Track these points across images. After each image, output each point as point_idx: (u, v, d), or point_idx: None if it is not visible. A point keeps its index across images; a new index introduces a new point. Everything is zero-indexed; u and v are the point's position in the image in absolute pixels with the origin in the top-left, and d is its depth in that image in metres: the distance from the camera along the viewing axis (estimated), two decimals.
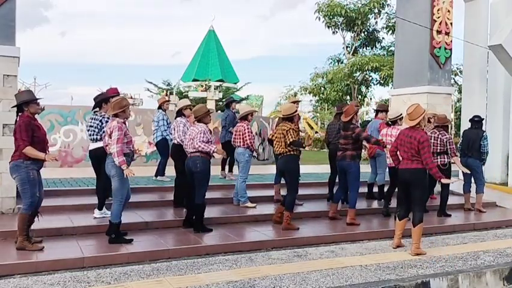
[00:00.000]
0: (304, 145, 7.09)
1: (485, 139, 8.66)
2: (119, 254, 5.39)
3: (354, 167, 7.25)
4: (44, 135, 5.56)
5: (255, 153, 8.20)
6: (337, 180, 7.99)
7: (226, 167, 10.46)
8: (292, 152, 6.81)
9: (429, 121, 8.28)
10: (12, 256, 5.14)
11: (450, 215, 8.24)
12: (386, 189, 8.39)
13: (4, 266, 4.84)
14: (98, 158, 6.62)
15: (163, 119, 9.34)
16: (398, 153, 6.20)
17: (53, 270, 4.92)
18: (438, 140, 8.04)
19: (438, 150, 8.00)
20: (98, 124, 6.83)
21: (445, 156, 8.07)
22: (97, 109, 7.01)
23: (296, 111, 7.07)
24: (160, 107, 9.61)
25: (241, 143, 7.84)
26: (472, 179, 8.89)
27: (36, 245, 5.41)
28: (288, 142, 6.72)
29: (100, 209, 6.75)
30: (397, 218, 6.23)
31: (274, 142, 7.02)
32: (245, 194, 7.90)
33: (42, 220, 6.21)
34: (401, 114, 7.89)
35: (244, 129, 7.82)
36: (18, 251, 5.29)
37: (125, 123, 5.85)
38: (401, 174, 6.07)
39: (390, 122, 7.98)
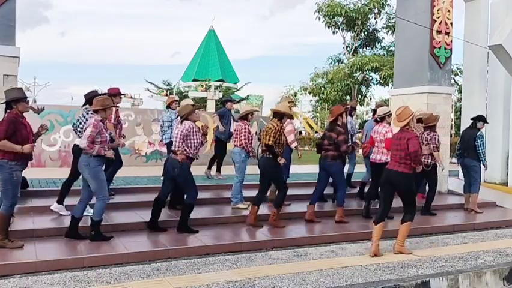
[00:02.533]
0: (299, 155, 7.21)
1: (479, 138, 8.56)
2: (119, 254, 5.38)
3: (335, 166, 7.27)
4: (30, 133, 5.49)
5: (256, 154, 8.14)
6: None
7: (214, 167, 10.21)
8: (268, 155, 6.80)
9: (420, 121, 8.27)
10: (12, 256, 5.13)
11: (435, 214, 8.27)
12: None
13: (4, 266, 4.84)
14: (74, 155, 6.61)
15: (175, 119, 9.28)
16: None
17: (53, 270, 4.92)
18: (423, 139, 8.06)
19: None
20: (82, 120, 6.66)
21: (430, 157, 8.08)
22: (87, 106, 6.77)
23: (288, 113, 7.08)
24: (168, 107, 9.57)
25: (238, 143, 7.72)
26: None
27: (17, 242, 5.38)
28: (265, 143, 6.74)
29: (59, 203, 6.71)
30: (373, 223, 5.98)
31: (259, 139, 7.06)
32: (238, 195, 7.76)
33: (43, 220, 6.23)
34: (389, 111, 7.91)
35: (241, 129, 7.68)
36: (18, 251, 5.27)
37: (103, 122, 5.81)
38: (386, 174, 5.95)
39: (378, 119, 7.96)
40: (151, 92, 27.10)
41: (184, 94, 25.93)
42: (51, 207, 6.69)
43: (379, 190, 6.34)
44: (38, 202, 7.19)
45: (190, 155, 6.31)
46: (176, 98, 10.20)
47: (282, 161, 6.88)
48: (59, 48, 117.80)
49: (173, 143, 6.32)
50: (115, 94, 7.10)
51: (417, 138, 5.92)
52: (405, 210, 5.98)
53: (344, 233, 6.77)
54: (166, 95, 22.67)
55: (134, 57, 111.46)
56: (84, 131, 5.77)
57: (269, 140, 6.71)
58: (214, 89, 25.79)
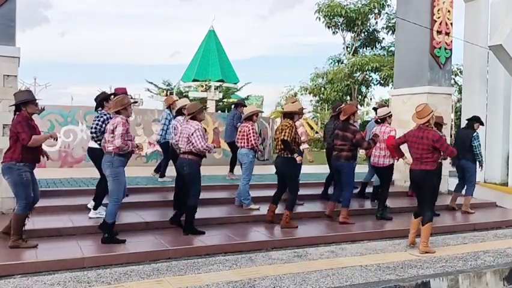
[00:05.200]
0: (294, 153, 6.85)
1: (476, 139, 8.49)
2: (119, 254, 5.39)
3: (348, 167, 7.26)
4: (39, 134, 5.54)
5: (257, 154, 8.12)
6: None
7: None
8: (287, 155, 6.79)
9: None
10: (12, 256, 5.14)
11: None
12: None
13: (4, 266, 4.85)
14: (95, 158, 6.61)
15: (167, 119, 9.26)
16: (399, 147, 6.45)
17: (53, 270, 4.92)
18: None
19: None
20: (99, 123, 6.64)
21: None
22: (100, 109, 6.85)
23: (299, 110, 7.12)
24: (168, 107, 9.54)
25: (245, 144, 7.64)
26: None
27: (31, 242, 5.42)
28: (281, 138, 6.72)
29: (95, 208, 6.71)
30: (413, 216, 6.29)
31: (275, 139, 6.99)
32: (248, 196, 7.73)
33: (43, 220, 6.24)
34: (390, 112, 7.96)
35: (249, 130, 7.62)
36: (18, 251, 5.28)
37: (127, 121, 5.83)
38: (411, 175, 6.20)
39: (379, 120, 7.96)
40: (151, 92, 27.07)
41: (184, 94, 25.91)
42: (90, 215, 6.73)
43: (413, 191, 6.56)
44: (38, 202, 7.16)
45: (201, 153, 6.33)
46: (176, 98, 10.18)
47: (298, 158, 6.89)
48: (59, 48, 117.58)
49: (196, 143, 6.21)
50: (118, 93, 7.07)
51: (443, 138, 5.98)
52: (423, 210, 6.05)
53: (344, 233, 6.77)
54: (166, 95, 22.66)
55: (134, 57, 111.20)
56: (113, 130, 5.64)
57: (284, 135, 6.69)
58: (215, 89, 25.78)
